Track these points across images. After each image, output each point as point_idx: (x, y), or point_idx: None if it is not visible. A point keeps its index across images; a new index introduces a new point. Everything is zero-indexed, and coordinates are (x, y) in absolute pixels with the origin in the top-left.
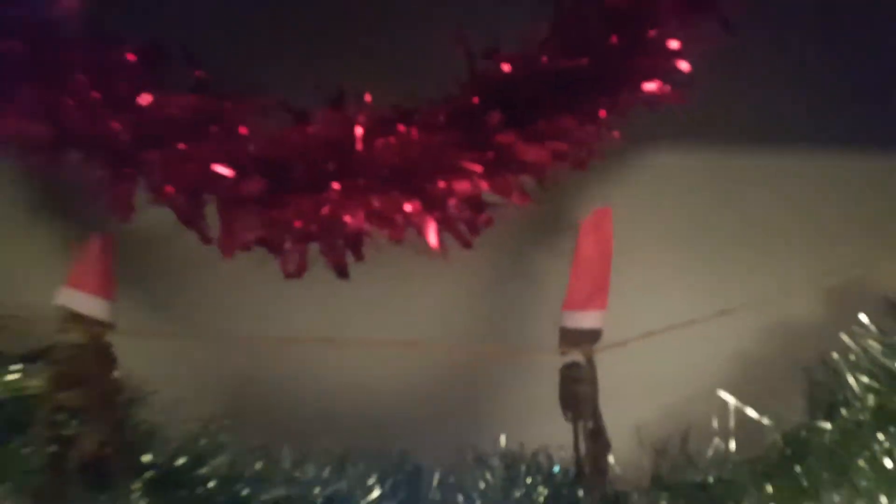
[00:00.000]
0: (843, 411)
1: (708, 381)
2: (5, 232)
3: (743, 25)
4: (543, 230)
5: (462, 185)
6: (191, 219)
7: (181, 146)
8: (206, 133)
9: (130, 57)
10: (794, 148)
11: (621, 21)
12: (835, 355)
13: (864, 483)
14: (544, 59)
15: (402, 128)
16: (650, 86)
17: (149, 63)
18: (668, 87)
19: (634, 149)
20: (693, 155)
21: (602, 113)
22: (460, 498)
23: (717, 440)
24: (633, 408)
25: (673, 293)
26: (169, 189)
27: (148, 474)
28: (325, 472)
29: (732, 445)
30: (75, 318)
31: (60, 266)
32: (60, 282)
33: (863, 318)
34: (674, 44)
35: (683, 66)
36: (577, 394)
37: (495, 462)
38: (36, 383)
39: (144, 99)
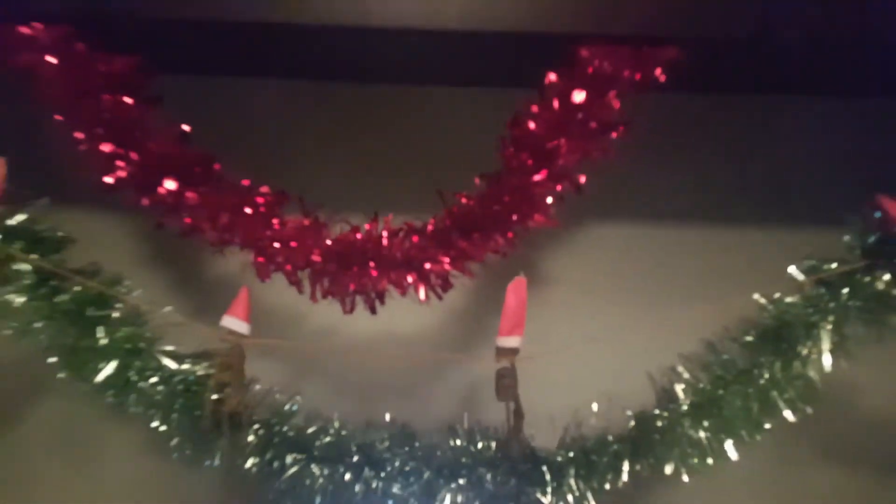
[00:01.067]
0: (672, 405)
1: (603, 385)
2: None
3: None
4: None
5: (437, 268)
6: (297, 283)
7: (293, 244)
8: (308, 236)
9: (259, 199)
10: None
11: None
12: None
13: (688, 450)
14: (483, 204)
15: (407, 236)
16: (538, 218)
17: (277, 203)
18: (547, 220)
19: (582, 223)
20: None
21: (510, 234)
22: (438, 452)
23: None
24: (549, 401)
25: (591, 324)
26: (288, 267)
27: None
28: (356, 432)
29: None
30: (231, 332)
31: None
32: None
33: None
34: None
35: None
36: (506, 387)
37: (460, 430)
38: (201, 369)
39: (276, 223)
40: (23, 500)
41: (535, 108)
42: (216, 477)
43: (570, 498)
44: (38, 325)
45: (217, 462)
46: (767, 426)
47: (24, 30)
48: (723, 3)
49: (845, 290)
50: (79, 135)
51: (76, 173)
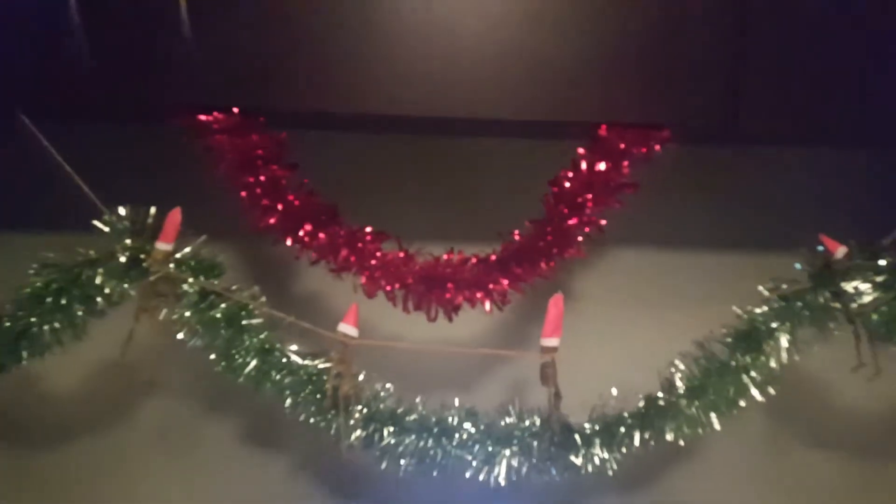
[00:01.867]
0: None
1: (620, 376)
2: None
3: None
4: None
5: (498, 288)
6: (393, 299)
7: (392, 270)
8: (402, 264)
9: (367, 237)
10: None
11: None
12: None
13: (683, 423)
14: (531, 240)
15: (476, 264)
16: (572, 252)
17: (379, 239)
18: (578, 252)
19: (605, 249)
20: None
21: (552, 263)
22: (496, 427)
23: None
24: (580, 388)
25: (611, 329)
26: (388, 287)
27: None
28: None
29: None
30: (344, 335)
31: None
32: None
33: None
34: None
35: (602, 223)
36: (548, 376)
37: (512, 410)
38: (321, 363)
39: (378, 254)
40: (128, 490)
41: (569, 173)
42: (296, 468)
43: (595, 460)
44: (201, 331)
45: (333, 433)
46: (742, 404)
47: (205, 117)
48: (700, 99)
49: (798, 304)
50: (242, 193)
51: (228, 218)
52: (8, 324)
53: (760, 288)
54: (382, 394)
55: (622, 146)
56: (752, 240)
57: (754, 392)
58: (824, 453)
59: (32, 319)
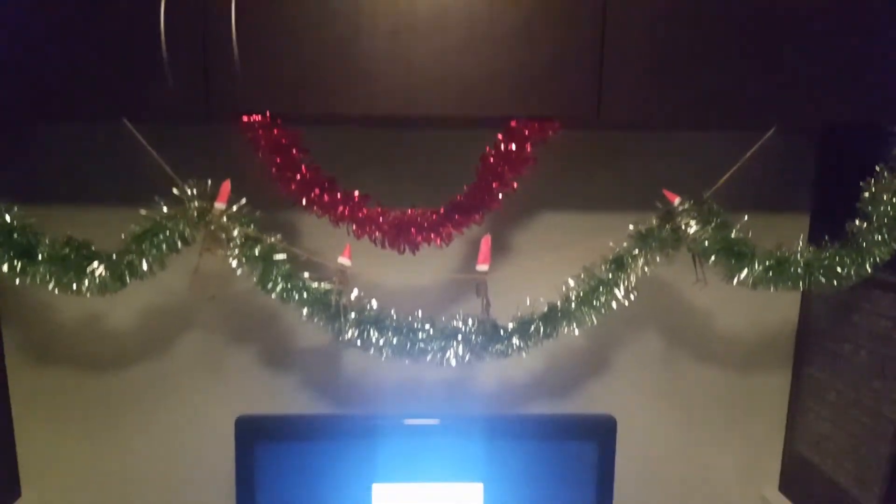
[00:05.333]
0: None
1: (533, 292)
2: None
3: None
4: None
5: (446, 231)
6: (374, 240)
7: (375, 220)
8: (380, 216)
9: (357, 198)
10: (584, 211)
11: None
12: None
13: (573, 321)
14: (467, 199)
15: (430, 215)
16: (495, 206)
17: (365, 200)
18: (499, 207)
19: (530, 211)
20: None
21: (481, 215)
22: (447, 327)
23: (527, 307)
24: (503, 300)
25: (528, 262)
26: (371, 231)
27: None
28: (405, 318)
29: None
30: (342, 265)
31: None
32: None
33: None
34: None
35: (514, 185)
36: (481, 290)
37: (458, 317)
38: (327, 284)
39: (364, 210)
40: (169, 405)
41: (492, 151)
42: (303, 384)
43: (514, 346)
44: (245, 264)
45: (335, 329)
46: (614, 306)
47: (247, 119)
48: (566, 94)
49: (650, 238)
50: (274, 170)
51: (262, 188)
52: (116, 257)
53: (630, 226)
54: (369, 307)
55: (526, 132)
56: (630, 202)
57: (621, 298)
58: (707, 366)
59: (133, 256)
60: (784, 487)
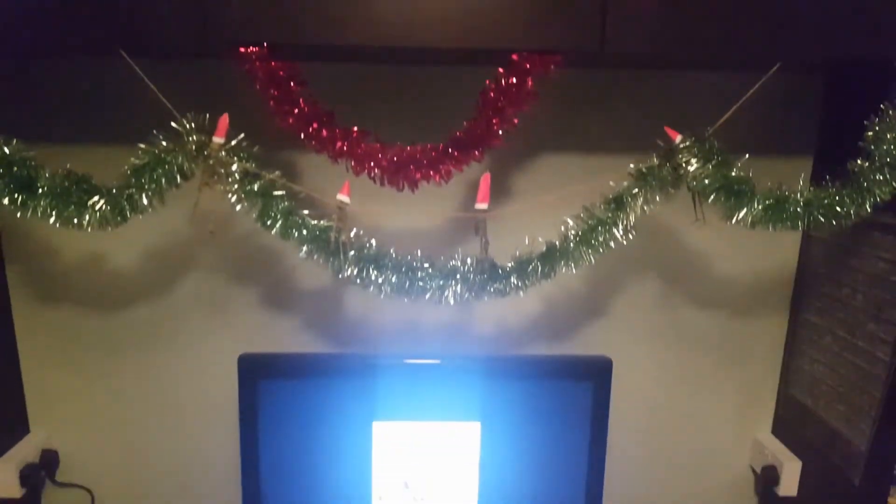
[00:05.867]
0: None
1: (532, 232)
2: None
3: None
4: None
5: (445, 168)
6: (373, 177)
7: (374, 155)
8: (380, 152)
9: (355, 134)
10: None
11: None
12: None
13: (571, 261)
14: (467, 135)
15: (430, 151)
16: (496, 142)
17: (364, 135)
18: (500, 143)
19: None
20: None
21: (481, 151)
22: (447, 266)
23: (526, 247)
24: (502, 240)
25: (527, 202)
26: (370, 167)
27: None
28: (405, 257)
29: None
30: (341, 202)
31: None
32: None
33: None
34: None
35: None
36: (479, 228)
37: (457, 256)
38: (327, 221)
39: (363, 146)
40: (170, 344)
41: (492, 86)
42: (304, 325)
43: (512, 285)
44: (244, 199)
45: (335, 267)
46: (612, 245)
47: (243, 51)
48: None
49: (650, 176)
50: (271, 103)
51: (260, 122)
52: (116, 191)
53: (630, 167)
54: (368, 245)
55: (528, 66)
56: (631, 143)
57: (619, 238)
58: (704, 310)
59: (133, 190)
60: (777, 430)
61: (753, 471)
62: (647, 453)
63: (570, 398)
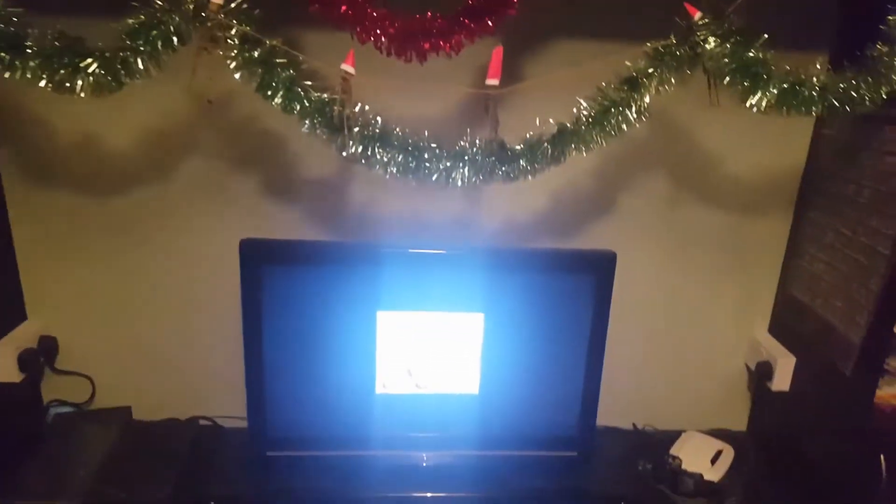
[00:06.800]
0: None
1: (543, 113)
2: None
3: None
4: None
5: (456, 38)
6: (379, 47)
7: (381, 22)
8: (389, 18)
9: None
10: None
11: None
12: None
13: (581, 143)
14: (477, 3)
15: (439, 19)
16: (511, 11)
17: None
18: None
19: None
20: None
21: (494, 20)
22: (456, 147)
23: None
24: (512, 122)
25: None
26: (378, 35)
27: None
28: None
29: None
30: (346, 72)
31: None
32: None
33: None
34: None
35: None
36: (489, 106)
37: (466, 137)
38: (331, 93)
39: (371, 11)
40: (173, 233)
41: None
42: (306, 214)
43: (520, 168)
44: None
45: (339, 144)
46: (624, 128)
47: None
48: None
49: (666, 55)
50: None
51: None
52: (109, 54)
53: (647, 45)
54: (373, 122)
55: None
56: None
57: (633, 120)
58: (709, 210)
59: (128, 52)
60: (773, 329)
61: (748, 368)
62: (645, 349)
63: (573, 291)
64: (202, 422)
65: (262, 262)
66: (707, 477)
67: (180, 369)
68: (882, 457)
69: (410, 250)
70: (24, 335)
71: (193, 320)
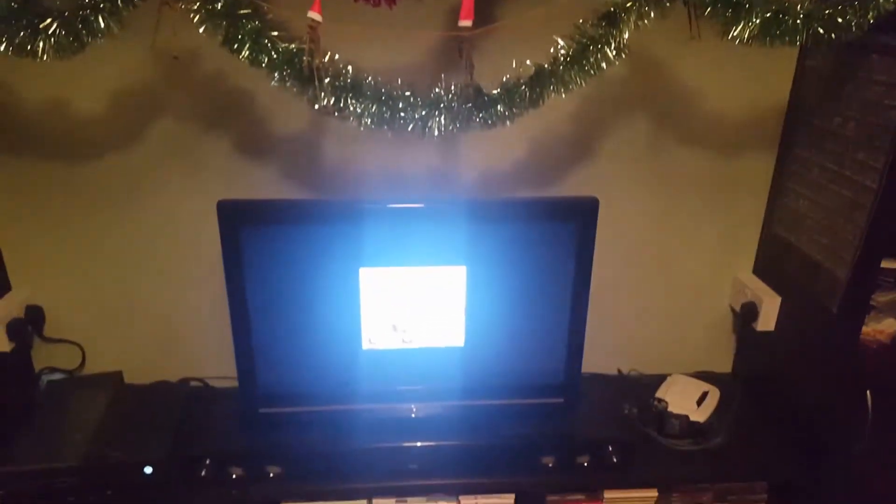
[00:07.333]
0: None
1: (521, 57)
2: None
3: None
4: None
5: None
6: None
7: None
8: None
9: None
10: None
11: None
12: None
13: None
14: None
15: None
16: None
17: None
18: None
19: None
20: None
21: None
22: (431, 94)
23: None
24: (488, 67)
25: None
26: None
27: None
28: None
29: None
30: (313, 20)
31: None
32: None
33: None
34: None
35: None
36: (463, 49)
37: (441, 84)
38: (299, 43)
39: None
40: (147, 196)
41: None
42: (282, 175)
43: (498, 114)
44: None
45: (311, 96)
46: (604, 66)
47: None
48: None
49: None
50: None
51: None
52: (69, 13)
53: None
54: (344, 72)
55: None
56: None
57: (612, 58)
58: (692, 150)
59: (89, 11)
60: (758, 270)
61: (733, 310)
62: (629, 294)
63: (555, 240)
64: (193, 383)
65: (241, 223)
66: (693, 418)
67: (168, 332)
68: (868, 393)
69: (390, 205)
70: (10, 305)
71: (177, 283)
